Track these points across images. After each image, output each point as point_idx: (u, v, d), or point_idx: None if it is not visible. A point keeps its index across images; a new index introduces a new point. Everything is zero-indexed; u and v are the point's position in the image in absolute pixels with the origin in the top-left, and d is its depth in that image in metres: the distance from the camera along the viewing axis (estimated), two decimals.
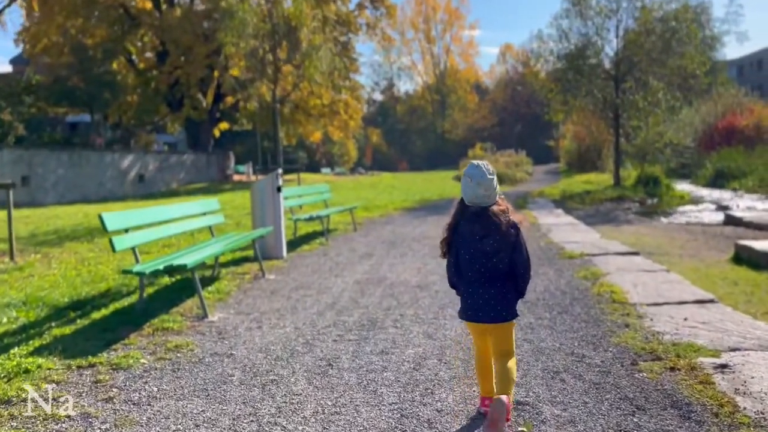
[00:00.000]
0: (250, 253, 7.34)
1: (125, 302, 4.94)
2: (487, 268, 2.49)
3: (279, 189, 7.29)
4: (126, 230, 4.51)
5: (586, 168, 32.13)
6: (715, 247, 9.70)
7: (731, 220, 12.92)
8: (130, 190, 26.18)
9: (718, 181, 24.76)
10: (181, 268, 4.13)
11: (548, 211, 12.84)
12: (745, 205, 17.07)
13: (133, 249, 4.48)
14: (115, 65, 31.80)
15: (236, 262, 6.90)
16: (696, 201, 19.13)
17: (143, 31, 29.18)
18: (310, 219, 8.38)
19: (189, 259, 4.29)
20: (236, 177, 33.65)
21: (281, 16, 12.86)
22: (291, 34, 13.70)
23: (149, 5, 30.93)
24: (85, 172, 23.74)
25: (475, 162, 2.60)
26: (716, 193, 21.28)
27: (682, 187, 23.52)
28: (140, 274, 4.14)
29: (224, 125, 36.23)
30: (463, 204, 2.59)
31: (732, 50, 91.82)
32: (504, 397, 2.39)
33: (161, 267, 4.15)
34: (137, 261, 4.50)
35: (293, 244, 8.28)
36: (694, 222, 13.86)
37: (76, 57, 25.39)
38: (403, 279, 5.74)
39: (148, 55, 32.23)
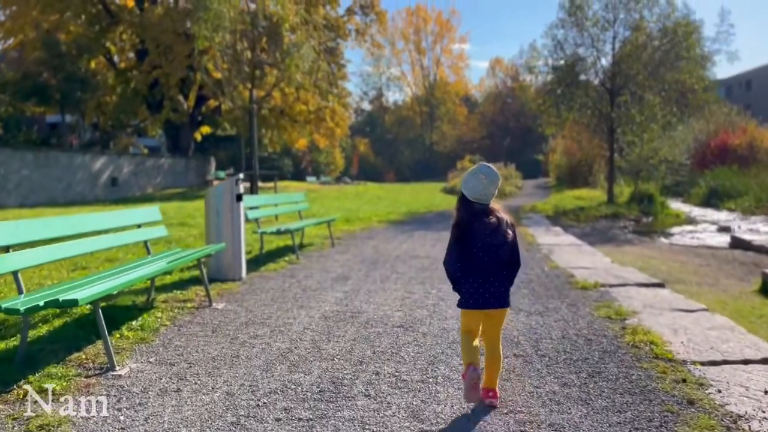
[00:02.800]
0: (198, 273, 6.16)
1: (13, 343, 3.74)
2: (494, 260, 2.72)
3: (239, 197, 6.14)
4: (7, 249, 3.32)
5: (577, 183, 31.36)
6: (732, 275, 8.76)
7: (739, 244, 12.11)
8: (101, 194, 24.77)
9: (712, 200, 24.20)
10: (70, 305, 2.96)
11: (545, 228, 11.81)
12: (747, 227, 16.37)
13: (14, 274, 3.29)
14: (93, 64, 30.43)
15: (183, 284, 5.71)
16: (692, 220, 18.47)
17: (122, 29, 27.88)
18: (278, 233, 7.21)
19: (84, 292, 3.11)
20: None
21: (261, 11, 11.77)
22: (272, 31, 12.62)
23: (131, 3, 29.67)
24: (52, 173, 22.31)
25: (486, 164, 2.82)
26: (712, 213, 20.66)
27: (676, 205, 22.83)
28: (12, 312, 2.95)
29: (206, 129, 34.95)
30: (467, 200, 2.79)
31: (720, 70, 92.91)
32: (479, 369, 2.76)
33: (41, 303, 2.96)
34: (20, 291, 3.31)
35: (257, 262, 7.11)
36: (698, 244, 13.05)
37: (47, 52, 23.97)
38: (382, 314, 4.60)
39: (131, 55, 30.92)
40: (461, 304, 2.81)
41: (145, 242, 4.92)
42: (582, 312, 4.67)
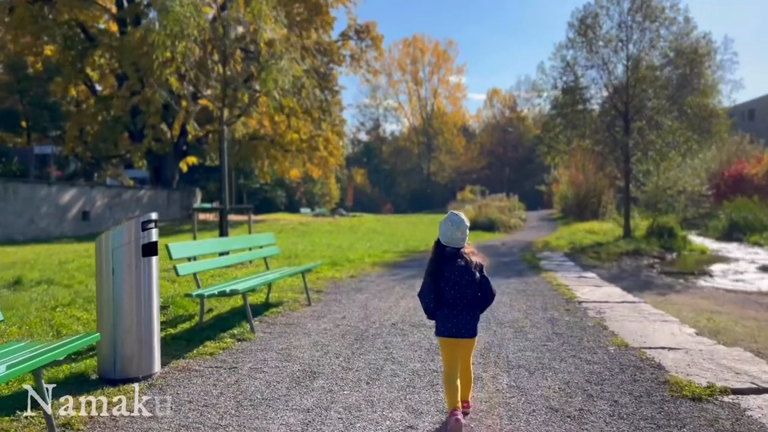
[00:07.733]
0: (90, 363, 3.97)
1: None
2: (463, 297, 3.11)
3: (151, 249, 3.98)
4: None
5: (585, 215, 29.33)
6: None
7: None
8: (70, 229, 22.56)
9: (733, 233, 22.35)
10: None
11: (576, 275, 9.64)
12: None
13: None
14: (74, 92, 28.64)
15: (64, 385, 3.51)
16: (723, 258, 16.59)
17: (99, 53, 26.18)
18: (223, 294, 5.03)
19: None
20: (201, 216, 30.20)
21: (235, 18, 10.02)
22: (247, 41, 10.87)
23: (114, 27, 28.10)
24: (11, 207, 20.14)
25: (455, 212, 3.24)
26: (739, 249, 18.82)
27: (694, 239, 20.94)
28: None
29: (192, 159, 33.03)
30: (440, 244, 3.17)
31: (723, 99, 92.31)
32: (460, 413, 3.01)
33: None
34: None
35: (192, 338, 4.90)
36: (751, 290, 11.03)
37: (13, 75, 22.12)
38: None
39: (114, 82, 29.18)
40: (438, 332, 3.15)
41: None
42: None
